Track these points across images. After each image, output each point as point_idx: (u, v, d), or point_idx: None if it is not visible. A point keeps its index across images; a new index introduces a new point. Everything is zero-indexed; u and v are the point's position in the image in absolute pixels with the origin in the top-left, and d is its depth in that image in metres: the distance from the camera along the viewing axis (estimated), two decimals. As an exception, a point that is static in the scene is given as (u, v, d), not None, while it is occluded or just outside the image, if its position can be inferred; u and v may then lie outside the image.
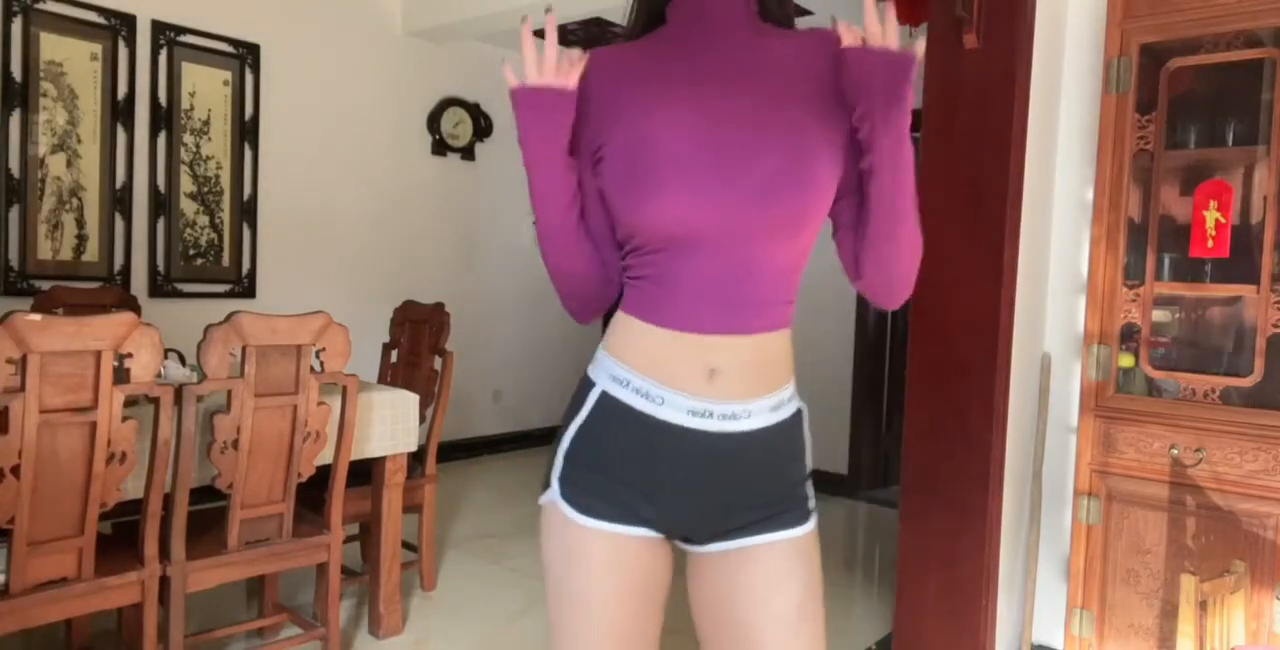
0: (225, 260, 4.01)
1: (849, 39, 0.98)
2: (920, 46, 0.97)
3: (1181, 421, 2.12)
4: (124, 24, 3.62)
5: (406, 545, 2.74)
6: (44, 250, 3.47)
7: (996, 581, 2.28)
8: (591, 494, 1.04)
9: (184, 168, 3.85)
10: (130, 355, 1.81)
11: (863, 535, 4.08)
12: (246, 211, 4.06)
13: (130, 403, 1.86)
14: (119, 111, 3.63)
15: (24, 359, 1.67)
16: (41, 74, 3.42)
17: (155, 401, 1.90)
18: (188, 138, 3.85)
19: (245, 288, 4.08)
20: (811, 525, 1.08)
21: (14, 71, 3.35)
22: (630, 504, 1.03)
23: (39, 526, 1.76)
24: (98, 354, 1.76)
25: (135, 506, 1.96)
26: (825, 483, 4.47)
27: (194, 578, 2.03)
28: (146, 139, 3.73)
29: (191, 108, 3.86)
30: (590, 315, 1.16)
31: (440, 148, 4.88)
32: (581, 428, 1.06)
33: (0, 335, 1.64)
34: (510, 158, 5.24)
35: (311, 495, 2.33)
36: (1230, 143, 2.19)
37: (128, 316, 1.80)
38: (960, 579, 2.26)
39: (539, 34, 1.09)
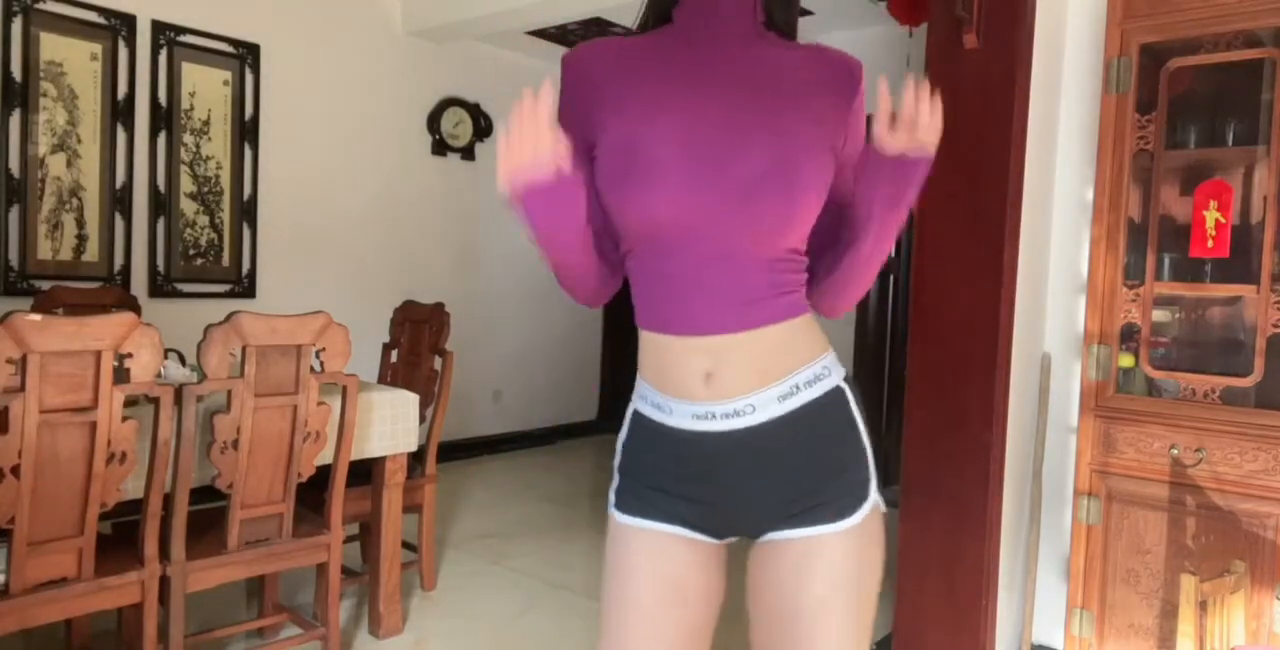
0: (225, 260, 4.01)
1: (883, 110, 0.99)
2: (930, 143, 1.01)
3: (1181, 421, 2.12)
4: (124, 24, 3.62)
5: (406, 545, 2.74)
6: (44, 250, 3.47)
7: (996, 581, 2.28)
8: (637, 499, 1.09)
9: (184, 168, 3.85)
10: (130, 355, 1.81)
11: (863, 535, 4.07)
12: (246, 211, 4.06)
13: (130, 403, 1.86)
14: (119, 111, 3.63)
15: (24, 359, 1.67)
16: (41, 74, 3.42)
17: (155, 401, 1.90)
18: (188, 138, 3.86)
19: (245, 288, 4.08)
20: (855, 519, 1.05)
21: (14, 71, 3.35)
22: (667, 505, 1.07)
23: (39, 526, 1.76)
24: (98, 354, 1.76)
25: (135, 506, 1.96)
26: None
27: (194, 578, 2.03)
28: (146, 139, 3.73)
29: (191, 108, 3.86)
30: (600, 302, 1.17)
31: (440, 148, 4.88)
32: (625, 444, 1.14)
33: (0, 335, 1.64)
34: (510, 158, 5.23)
35: (311, 495, 2.33)
36: (1230, 143, 2.19)
37: (128, 316, 1.80)
38: (960, 579, 2.26)
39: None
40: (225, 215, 4.00)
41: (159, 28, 3.73)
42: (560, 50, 5.20)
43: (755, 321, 1.02)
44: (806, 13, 3.99)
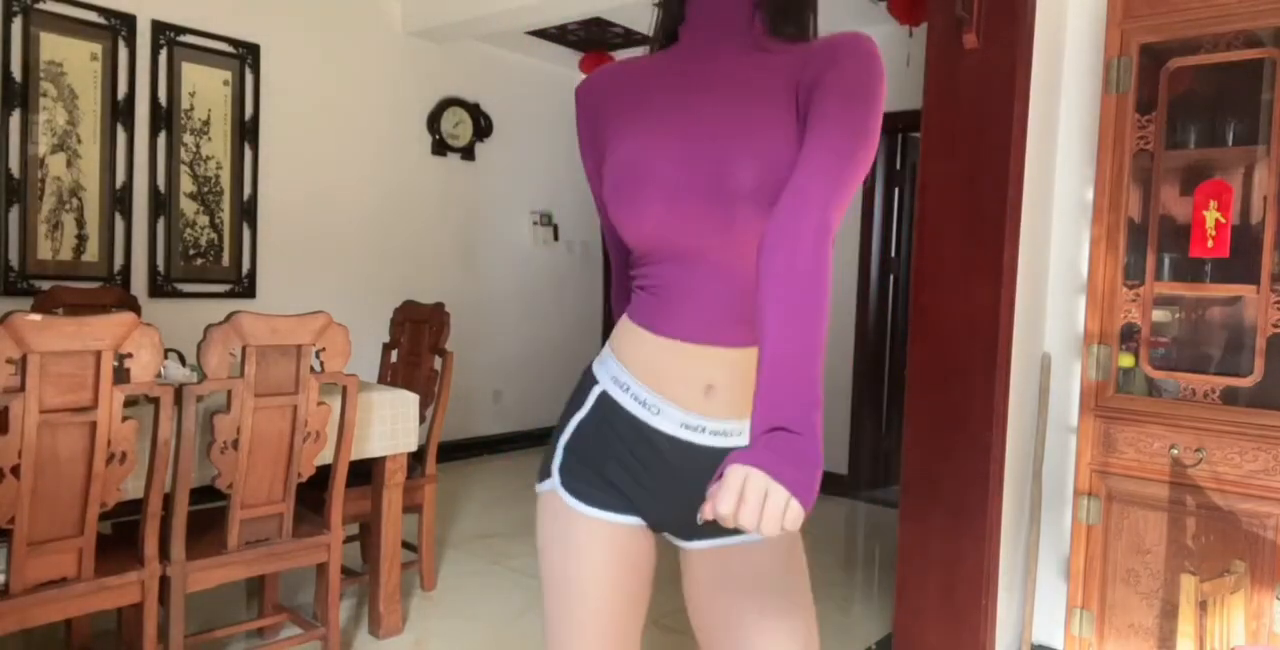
0: (225, 260, 4.01)
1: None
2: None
3: (1181, 421, 2.12)
4: (124, 24, 3.62)
5: (406, 545, 2.74)
6: (44, 250, 3.47)
7: (996, 581, 2.28)
8: (588, 484, 1.08)
9: (184, 168, 3.85)
10: (130, 355, 1.81)
11: (863, 535, 4.08)
12: (246, 211, 4.06)
13: (130, 403, 1.86)
14: (119, 111, 3.63)
15: (24, 359, 1.67)
16: (41, 74, 3.42)
17: (155, 401, 1.90)
18: (188, 138, 3.85)
19: (245, 288, 4.08)
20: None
21: (14, 71, 3.35)
22: (622, 495, 1.07)
23: (39, 526, 1.76)
24: (98, 354, 1.76)
25: (135, 506, 1.96)
26: (825, 483, 4.45)
27: (194, 578, 2.03)
28: (146, 139, 3.73)
29: (191, 108, 3.86)
30: None
31: (440, 148, 4.88)
32: (582, 422, 1.10)
33: (0, 335, 1.64)
34: (510, 158, 5.25)
35: (311, 495, 2.33)
36: (1230, 143, 2.19)
37: (128, 316, 1.80)
38: (960, 579, 2.26)
39: None
40: (225, 215, 4.00)
41: (159, 28, 3.73)
42: (560, 50, 5.21)
43: (749, 339, 1.01)
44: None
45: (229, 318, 1.98)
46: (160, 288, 3.79)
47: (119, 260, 3.67)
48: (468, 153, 5.02)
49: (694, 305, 1.03)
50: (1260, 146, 2.10)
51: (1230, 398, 2.09)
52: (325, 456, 2.24)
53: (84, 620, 2.22)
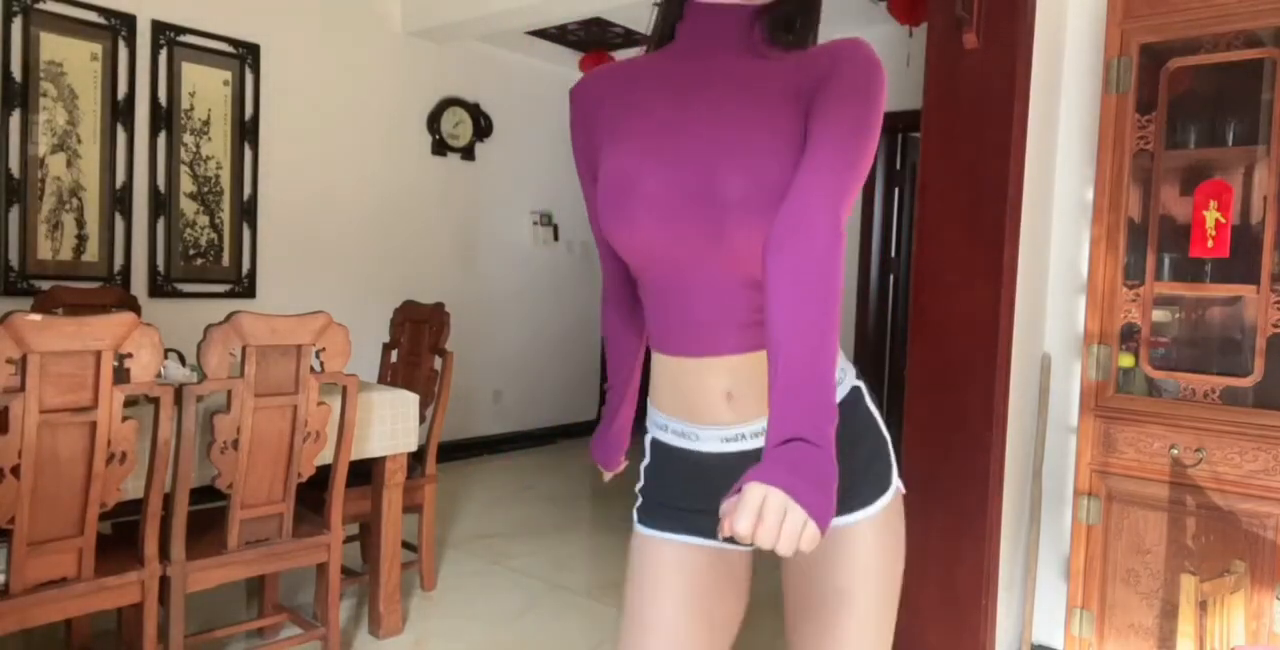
0: (225, 260, 4.01)
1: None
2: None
3: (1181, 421, 2.12)
4: (124, 24, 3.62)
5: (406, 545, 2.74)
6: (44, 250, 3.47)
7: (996, 581, 2.28)
8: (659, 516, 1.11)
9: (184, 168, 3.85)
10: (130, 355, 1.81)
11: (863, 535, 4.07)
12: (246, 211, 4.06)
13: (130, 403, 1.86)
14: (119, 111, 3.63)
15: (24, 359, 1.67)
16: (41, 74, 3.42)
17: (155, 401, 1.90)
18: (188, 138, 3.86)
19: (245, 288, 4.08)
20: (877, 508, 1.06)
21: (14, 71, 3.35)
22: (692, 520, 1.08)
23: (39, 526, 1.76)
24: (98, 354, 1.76)
25: (135, 506, 1.96)
26: (825, 483, 4.47)
27: (194, 578, 2.03)
28: (146, 139, 3.73)
29: (191, 108, 3.86)
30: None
31: (440, 148, 4.88)
32: (647, 469, 1.16)
33: (0, 335, 1.63)
34: (510, 158, 5.25)
35: (311, 495, 2.33)
36: (1230, 143, 2.19)
37: (128, 316, 1.80)
38: (960, 579, 2.26)
39: None
40: (225, 215, 4.00)
41: (159, 28, 3.73)
42: (560, 50, 5.21)
43: (760, 343, 1.01)
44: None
45: (229, 318, 1.98)
46: (160, 288, 3.79)
47: (119, 260, 3.67)
48: (468, 153, 5.02)
49: (692, 317, 1.03)
50: (1260, 146, 2.10)
51: (1230, 398, 2.09)
52: (325, 456, 2.24)
53: (84, 620, 2.22)
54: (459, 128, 4.96)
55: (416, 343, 3.02)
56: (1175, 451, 2.12)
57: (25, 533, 1.73)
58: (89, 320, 1.75)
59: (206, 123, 3.90)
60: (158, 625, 1.98)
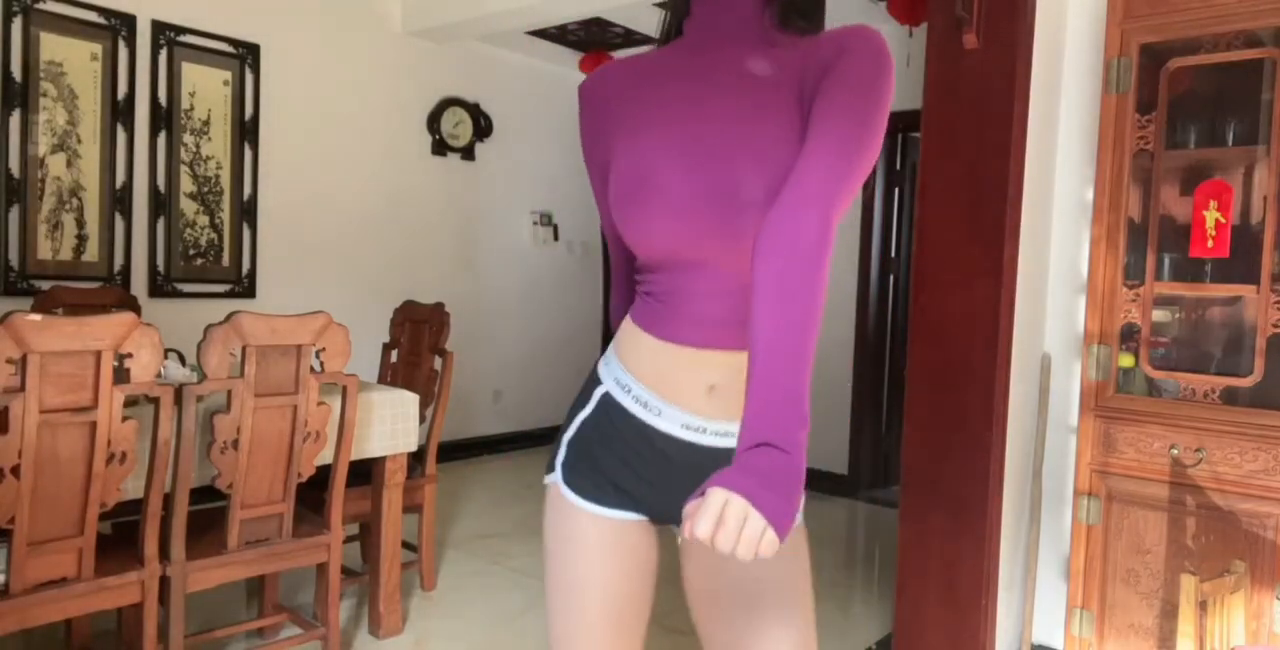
0: (225, 260, 4.01)
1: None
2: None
3: (1181, 421, 2.12)
4: (124, 24, 3.62)
5: (406, 545, 2.74)
6: (44, 250, 3.47)
7: (996, 581, 2.28)
8: (590, 480, 1.09)
9: (184, 168, 3.85)
10: (130, 355, 1.81)
11: (863, 535, 4.08)
12: (246, 211, 4.06)
13: (130, 403, 1.86)
14: (119, 111, 3.63)
15: (24, 359, 1.67)
16: (41, 74, 3.42)
17: (155, 401, 1.90)
18: (188, 138, 3.85)
19: (245, 288, 4.08)
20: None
21: (14, 71, 3.35)
22: (623, 493, 1.08)
23: (39, 526, 1.76)
24: (98, 354, 1.76)
25: (135, 506, 1.96)
26: (825, 482, 4.47)
27: (194, 578, 2.03)
28: (146, 139, 3.73)
29: (191, 108, 3.86)
30: None
31: (440, 148, 4.88)
32: (585, 421, 1.12)
33: (0, 335, 1.64)
34: (510, 158, 5.25)
35: (311, 495, 2.33)
36: (1230, 143, 2.19)
37: (128, 316, 1.80)
38: (960, 579, 2.26)
39: None
40: (225, 215, 4.00)
41: (159, 28, 3.73)
42: (560, 50, 5.21)
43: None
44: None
45: (229, 318, 1.98)
46: (160, 288, 3.79)
47: (119, 260, 3.67)
48: (468, 153, 5.02)
49: (698, 310, 1.03)
50: (1260, 146, 2.10)
51: (1230, 398, 2.09)
52: (325, 456, 2.24)
53: (84, 620, 2.22)
54: (459, 128, 4.96)
55: (416, 343, 3.02)
56: (1175, 451, 2.12)
57: (25, 533, 1.73)
58: (89, 320, 1.75)
59: (206, 123, 3.90)
60: (158, 625, 1.98)
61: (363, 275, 4.53)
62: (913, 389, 2.35)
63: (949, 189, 2.27)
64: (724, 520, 0.78)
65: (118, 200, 3.65)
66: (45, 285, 3.31)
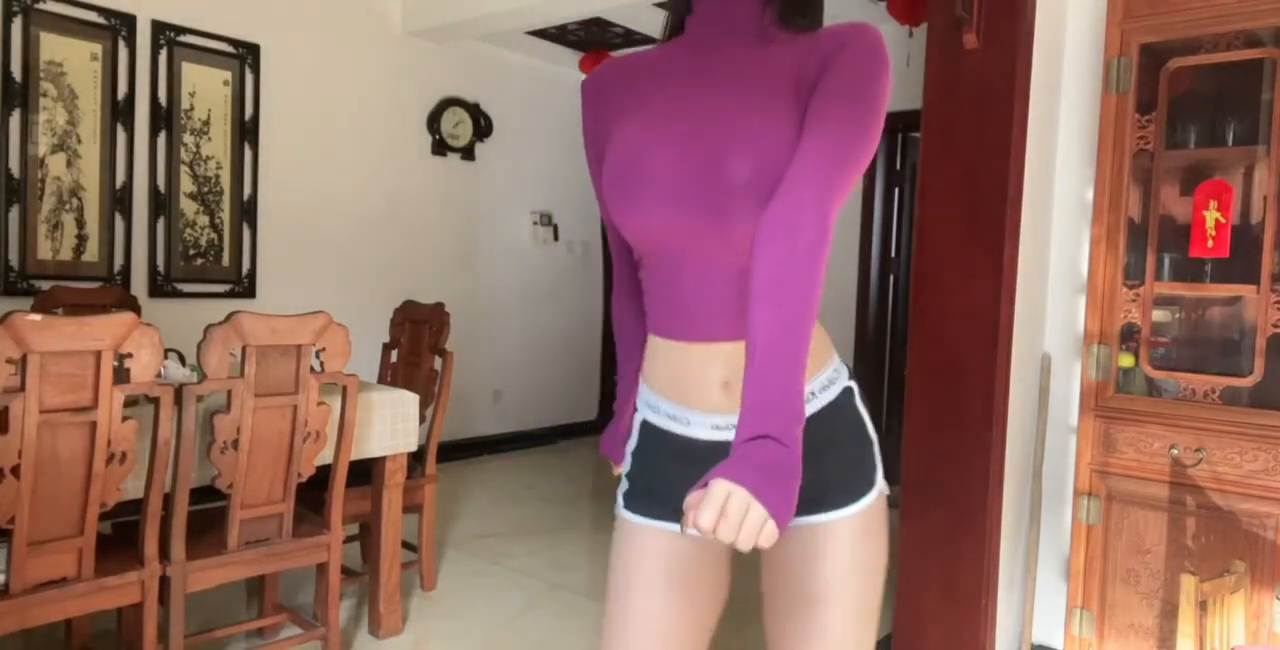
0: (225, 260, 4.01)
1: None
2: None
3: (1181, 421, 2.12)
4: (124, 24, 3.62)
5: (406, 545, 2.74)
6: (44, 250, 3.47)
7: (996, 581, 2.28)
8: (646, 502, 1.10)
9: (184, 168, 3.85)
10: (130, 355, 1.81)
11: (863, 535, 4.07)
12: (246, 211, 4.06)
13: (130, 403, 1.86)
14: (119, 111, 3.63)
15: (24, 359, 1.67)
16: (41, 74, 3.42)
17: (155, 401, 1.90)
18: (188, 138, 3.85)
19: (245, 288, 4.08)
20: (861, 505, 1.07)
21: (14, 71, 3.35)
22: (677, 505, 1.06)
23: (39, 526, 1.76)
24: (98, 354, 1.76)
25: (135, 506, 1.96)
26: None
27: (194, 578, 2.03)
28: (146, 139, 3.73)
29: (191, 108, 3.86)
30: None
31: (440, 148, 4.88)
32: (634, 452, 1.14)
33: (0, 335, 1.63)
34: (510, 158, 5.25)
35: (311, 495, 2.33)
36: (1230, 143, 2.19)
37: (128, 316, 1.80)
38: (960, 579, 2.26)
39: None
40: (225, 215, 4.00)
41: (159, 28, 3.73)
42: (560, 50, 5.21)
43: None
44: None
45: (229, 318, 1.98)
46: (160, 288, 3.79)
47: (119, 260, 3.67)
48: (468, 153, 5.02)
49: (699, 304, 1.03)
50: (1260, 146, 2.10)
51: (1230, 398, 2.09)
52: (325, 456, 2.24)
53: (84, 620, 2.22)
54: (459, 128, 4.96)
55: (416, 343, 3.02)
56: (1175, 451, 2.12)
57: (25, 533, 1.73)
58: (89, 320, 1.75)
59: (206, 123, 3.90)
60: (158, 625, 1.98)
61: (363, 275, 4.53)
62: (913, 389, 2.35)
63: (949, 189, 2.27)
64: (726, 512, 0.80)
65: (118, 200, 3.65)
66: (45, 285, 3.31)
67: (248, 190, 4.05)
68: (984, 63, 2.20)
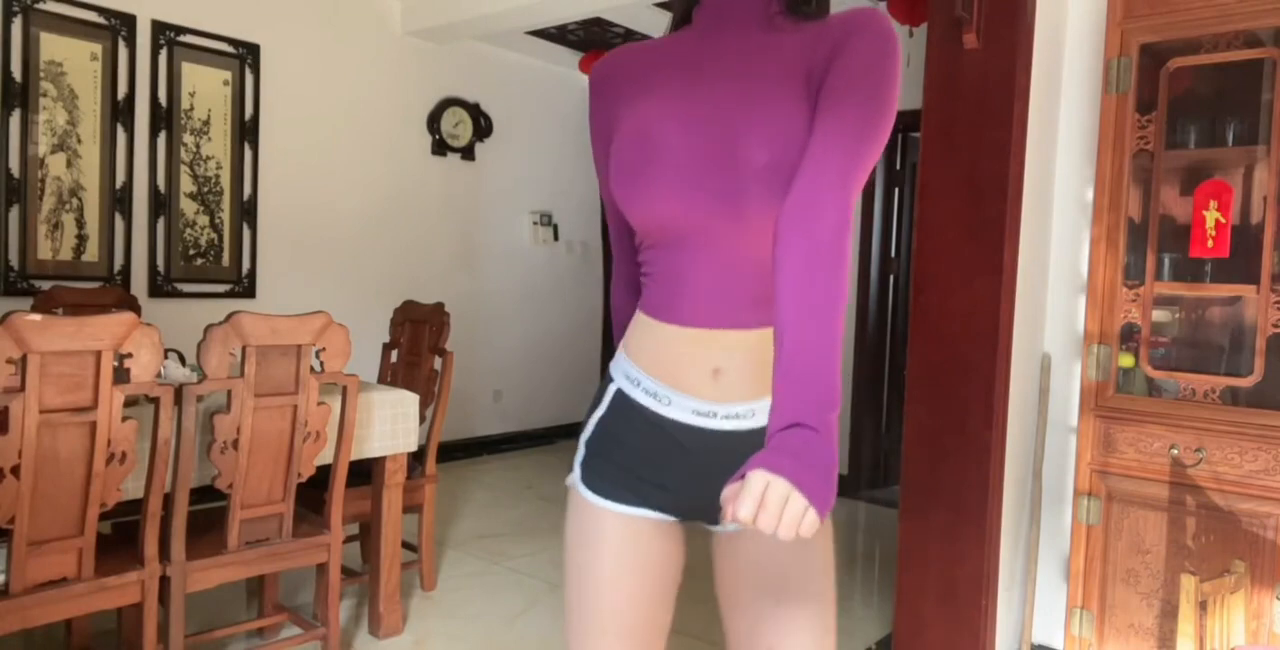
0: (225, 260, 4.01)
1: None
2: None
3: (1181, 421, 2.12)
4: (124, 24, 3.62)
5: (406, 545, 2.74)
6: (44, 250, 3.47)
7: (996, 581, 2.28)
8: (607, 479, 1.09)
9: (184, 168, 3.85)
10: (130, 355, 1.81)
11: (863, 535, 4.08)
12: (246, 211, 4.06)
13: (130, 403, 1.86)
14: (119, 111, 3.63)
15: (24, 359, 1.67)
16: (41, 74, 3.42)
17: (155, 401, 1.90)
18: (188, 138, 3.86)
19: (245, 288, 4.08)
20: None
21: (14, 71, 3.35)
22: (643, 490, 1.08)
23: (39, 526, 1.76)
24: (98, 354, 1.76)
25: (135, 506, 1.96)
26: (825, 483, 4.46)
27: (194, 578, 2.03)
28: (146, 139, 3.73)
29: (191, 108, 3.86)
30: None
31: (440, 148, 4.88)
32: (600, 420, 1.12)
33: (0, 335, 1.64)
34: (510, 158, 5.25)
35: (311, 495, 2.33)
36: (1230, 143, 2.19)
37: (128, 316, 1.80)
38: (960, 579, 2.26)
39: None
40: (225, 215, 4.00)
41: (159, 28, 3.73)
42: (560, 50, 5.21)
43: (756, 321, 1.02)
44: None
45: (229, 318, 1.98)
46: (160, 288, 3.79)
47: (119, 260, 3.67)
48: (468, 153, 5.02)
49: (703, 290, 1.02)
50: (1260, 146, 2.10)
51: (1230, 398, 2.09)
52: (325, 456, 2.24)
53: (84, 620, 2.22)
54: (459, 128, 4.96)
55: (416, 343, 3.02)
56: (1175, 451, 2.12)
57: (25, 533, 1.73)
58: (89, 320, 1.75)
59: (206, 123, 3.90)
60: (158, 625, 1.98)
61: (363, 275, 4.53)
62: (913, 389, 2.35)
63: (949, 189, 2.27)
64: (765, 503, 0.79)
65: (118, 200, 3.65)
66: (45, 285, 3.31)
67: (248, 190, 4.05)
68: (984, 63, 2.20)
